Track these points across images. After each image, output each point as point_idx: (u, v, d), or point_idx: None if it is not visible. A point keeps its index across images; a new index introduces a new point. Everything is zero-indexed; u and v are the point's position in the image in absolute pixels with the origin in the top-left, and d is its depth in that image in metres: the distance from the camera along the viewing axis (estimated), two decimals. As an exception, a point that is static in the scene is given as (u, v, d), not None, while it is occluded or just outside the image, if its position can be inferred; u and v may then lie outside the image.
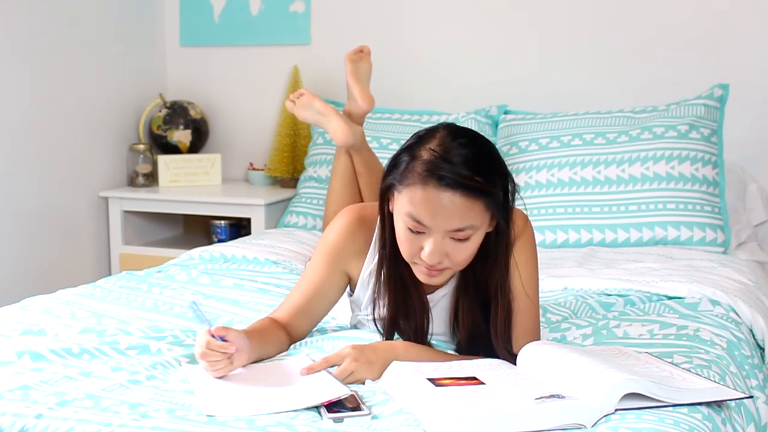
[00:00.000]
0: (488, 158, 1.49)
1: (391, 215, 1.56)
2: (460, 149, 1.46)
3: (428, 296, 1.65)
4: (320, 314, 1.71)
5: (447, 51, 3.21)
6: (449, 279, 1.60)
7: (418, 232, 1.49)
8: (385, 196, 1.55)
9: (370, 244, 1.66)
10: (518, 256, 1.60)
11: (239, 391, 1.40)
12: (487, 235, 1.54)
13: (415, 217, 1.47)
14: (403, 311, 1.62)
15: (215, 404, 1.34)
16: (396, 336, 1.64)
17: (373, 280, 1.65)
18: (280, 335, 1.63)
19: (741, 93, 2.80)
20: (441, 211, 1.45)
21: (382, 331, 1.64)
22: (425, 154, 1.47)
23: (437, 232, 1.47)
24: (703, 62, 2.91)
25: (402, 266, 1.59)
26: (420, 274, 1.54)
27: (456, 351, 1.65)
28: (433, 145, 1.47)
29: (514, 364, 1.53)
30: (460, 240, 1.48)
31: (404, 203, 1.48)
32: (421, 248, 1.49)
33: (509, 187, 1.52)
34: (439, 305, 1.66)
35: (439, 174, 1.44)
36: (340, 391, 1.36)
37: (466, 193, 1.44)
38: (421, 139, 1.51)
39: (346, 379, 1.47)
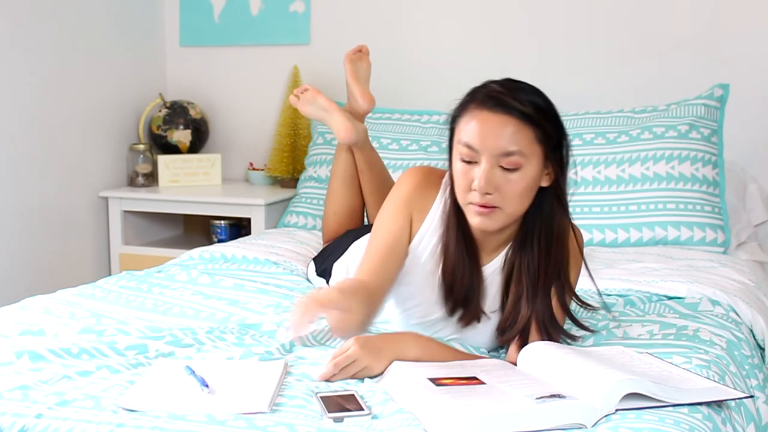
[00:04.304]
0: (546, 103, 1.58)
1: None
2: (520, 88, 1.56)
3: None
4: (396, 269, 1.68)
5: (447, 51, 3.21)
6: (500, 227, 1.58)
7: (470, 162, 1.53)
8: (451, 139, 1.60)
9: (432, 205, 1.68)
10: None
11: (166, 388, 1.40)
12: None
13: (467, 142, 1.53)
14: (456, 271, 1.63)
15: (137, 398, 1.35)
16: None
17: (422, 247, 1.67)
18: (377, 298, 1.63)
19: (741, 93, 2.80)
20: (491, 131, 1.51)
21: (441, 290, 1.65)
22: (486, 86, 1.57)
23: (487, 157, 1.51)
24: (703, 62, 2.91)
25: (461, 218, 1.61)
26: (472, 216, 1.56)
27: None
28: (495, 83, 1.58)
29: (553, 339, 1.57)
30: (509, 170, 1.51)
31: (460, 133, 1.55)
32: (473, 181, 1.53)
33: (564, 142, 1.58)
34: (488, 280, 1.66)
35: (496, 99, 1.52)
36: (261, 407, 1.33)
37: (518, 117, 1.51)
38: (484, 83, 1.59)
39: (350, 366, 1.46)
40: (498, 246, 1.66)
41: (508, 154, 1.51)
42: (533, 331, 1.59)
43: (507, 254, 1.66)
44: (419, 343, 1.55)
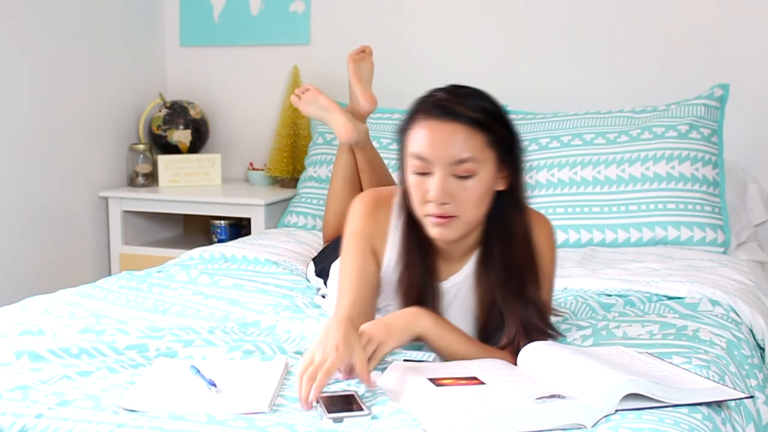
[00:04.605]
0: (495, 106, 1.55)
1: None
2: (467, 94, 1.55)
3: (444, 282, 1.65)
4: (373, 300, 1.66)
5: (447, 51, 3.20)
6: (460, 235, 1.57)
7: (424, 173, 1.52)
8: (402, 150, 1.58)
9: (389, 228, 1.67)
10: (541, 263, 1.63)
11: (166, 388, 1.40)
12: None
13: (418, 153, 1.52)
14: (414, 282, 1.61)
15: (137, 399, 1.35)
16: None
17: (392, 269, 1.65)
18: None
19: (741, 93, 2.80)
20: (442, 140, 1.50)
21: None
22: (432, 96, 1.55)
23: (440, 167, 1.50)
24: (703, 62, 2.91)
25: (418, 232, 1.60)
26: (430, 227, 1.55)
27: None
28: (440, 91, 1.56)
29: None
30: (463, 177, 1.50)
31: (410, 145, 1.54)
32: (428, 192, 1.51)
33: (516, 144, 1.57)
34: (458, 295, 1.65)
35: (443, 107, 1.51)
36: (261, 407, 1.33)
37: (468, 123, 1.50)
38: (429, 92, 1.58)
39: (366, 346, 1.44)
40: (464, 254, 1.66)
41: (461, 161, 1.50)
42: (520, 335, 1.58)
43: (475, 261, 1.65)
44: (429, 317, 1.54)
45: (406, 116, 1.57)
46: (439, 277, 1.66)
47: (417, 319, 1.53)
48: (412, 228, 1.61)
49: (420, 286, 1.62)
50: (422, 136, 1.51)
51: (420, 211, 1.56)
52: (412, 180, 1.55)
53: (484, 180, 1.52)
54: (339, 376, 1.45)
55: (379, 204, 1.68)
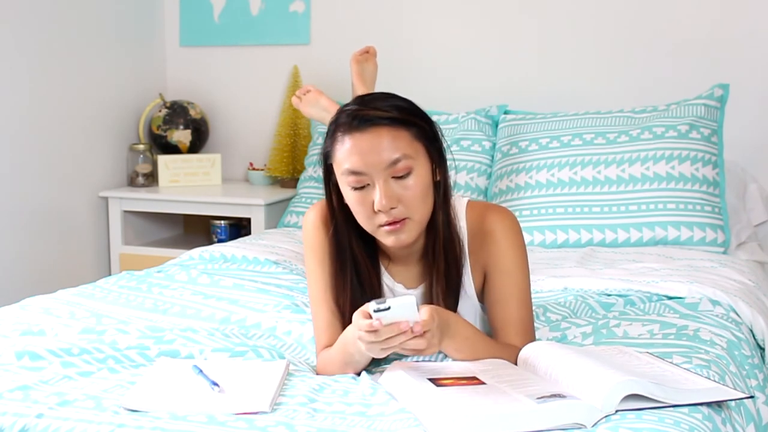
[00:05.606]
0: (406, 101, 1.55)
1: (341, 200, 1.57)
2: (375, 98, 1.54)
3: (413, 290, 1.64)
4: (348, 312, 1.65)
5: (447, 51, 3.21)
6: (416, 236, 1.55)
7: (363, 187, 1.50)
8: (328, 178, 1.57)
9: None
10: (507, 257, 1.59)
11: (167, 388, 1.40)
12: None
13: (351, 168, 1.49)
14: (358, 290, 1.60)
15: (138, 398, 1.35)
16: None
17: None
18: None
19: (741, 93, 2.80)
20: (370, 149, 1.48)
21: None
22: (343, 111, 1.53)
23: (377, 175, 1.48)
24: (703, 62, 2.91)
25: (354, 240, 1.60)
26: (385, 237, 1.53)
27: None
28: (349, 105, 1.55)
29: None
30: (402, 178, 1.49)
31: (340, 164, 1.51)
32: (373, 204, 1.50)
33: (436, 130, 1.56)
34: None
35: (359, 117, 1.49)
36: (262, 407, 1.33)
37: (388, 124, 1.49)
38: (338, 110, 1.56)
39: (431, 339, 1.41)
40: (420, 257, 1.64)
41: (395, 162, 1.48)
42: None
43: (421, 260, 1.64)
44: (458, 326, 1.51)
45: (325, 140, 1.55)
46: (406, 285, 1.65)
47: (452, 325, 1.49)
48: (354, 243, 1.60)
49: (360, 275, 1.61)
50: (350, 152, 1.49)
51: (370, 225, 1.53)
52: (352, 197, 1.52)
53: (422, 174, 1.51)
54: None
55: (328, 213, 1.64)
